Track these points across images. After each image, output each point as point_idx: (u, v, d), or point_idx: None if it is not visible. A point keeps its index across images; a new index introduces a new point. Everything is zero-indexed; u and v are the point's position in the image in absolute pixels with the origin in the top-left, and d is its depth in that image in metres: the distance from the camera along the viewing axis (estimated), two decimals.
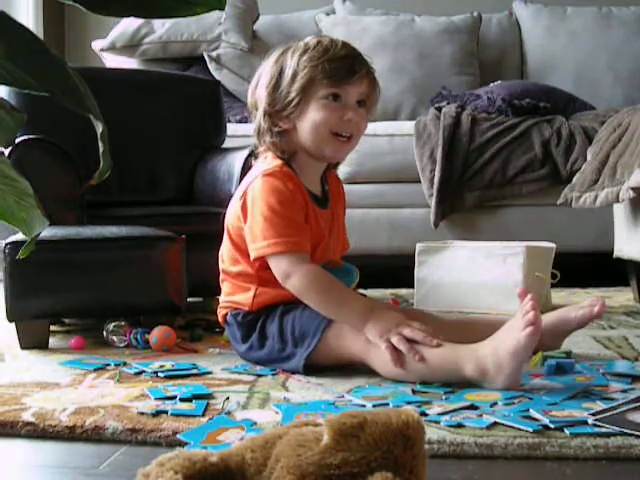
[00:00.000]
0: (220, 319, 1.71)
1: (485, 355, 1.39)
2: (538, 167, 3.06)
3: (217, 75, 3.63)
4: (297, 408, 1.28)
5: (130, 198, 2.59)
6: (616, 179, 2.35)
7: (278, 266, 1.56)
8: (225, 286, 1.70)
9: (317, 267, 1.57)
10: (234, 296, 1.66)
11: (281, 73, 1.60)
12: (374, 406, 1.29)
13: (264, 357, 1.62)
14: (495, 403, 1.29)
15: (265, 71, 1.63)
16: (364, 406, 1.30)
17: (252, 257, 1.59)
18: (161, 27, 3.66)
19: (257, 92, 1.65)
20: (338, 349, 1.53)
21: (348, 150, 1.65)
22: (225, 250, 1.69)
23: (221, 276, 1.71)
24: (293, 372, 1.56)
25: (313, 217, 1.64)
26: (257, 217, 1.57)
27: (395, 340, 1.45)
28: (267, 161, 1.64)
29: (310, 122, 1.59)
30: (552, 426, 1.16)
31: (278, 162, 1.62)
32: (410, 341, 1.45)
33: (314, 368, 1.54)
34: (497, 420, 1.19)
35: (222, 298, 1.71)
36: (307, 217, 1.62)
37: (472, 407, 1.28)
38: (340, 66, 1.57)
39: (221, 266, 1.70)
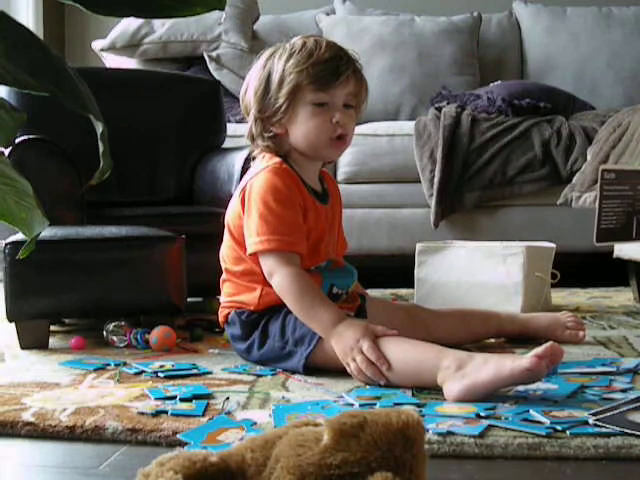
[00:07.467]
0: (221, 319, 1.70)
1: (472, 354, 1.38)
2: (538, 167, 3.05)
3: (217, 75, 3.63)
4: (289, 409, 1.28)
5: (130, 198, 2.59)
6: None
7: (265, 264, 1.58)
8: (227, 286, 1.69)
9: (300, 270, 1.56)
10: (239, 296, 1.65)
11: (269, 78, 1.61)
12: (361, 406, 1.29)
13: (264, 355, 1.61)
14: (494, 407, 1.28)
15: (253, 76, 1.65)
16: (352, 405, 1.30)
17: (247, 253, 1.60)
18: (161, 27, 3.66)
19: (247, 97, 1.67)
20: (333, 351, 1.53)
21: (344, 149, 1.67)
22: (226, 249, 1.69)
23: (223, 276, 1.70)
24: (293, 372, 1.56)
25: (314, 212, 1.65)
26: (253, 214, 1.58)
27: (359, 359, 1.44)
28: (265, 159, 1.65)
29: (302, 129, 1.61)
30: (559, 428, 1.15)
31: (277, 160, 1.63)
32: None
33: (314, 368, 1.54)
34: (495, 424, 1.18)
35: (224, 298, 1.69)
36: (307, 213, 1.63)
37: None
38: (325, 69, 1.58)
39: (223, 266, 1.70)
